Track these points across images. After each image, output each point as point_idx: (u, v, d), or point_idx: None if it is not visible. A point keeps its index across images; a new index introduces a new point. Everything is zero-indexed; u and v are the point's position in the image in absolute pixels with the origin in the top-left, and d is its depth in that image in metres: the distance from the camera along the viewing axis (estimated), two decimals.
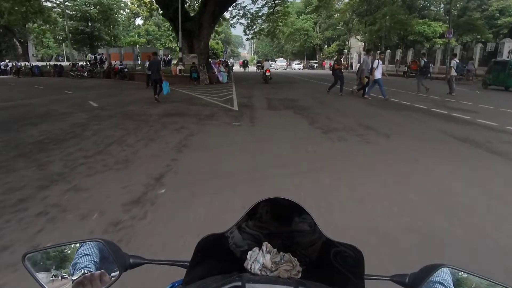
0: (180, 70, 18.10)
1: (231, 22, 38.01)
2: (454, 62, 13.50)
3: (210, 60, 24.41)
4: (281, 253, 0.68)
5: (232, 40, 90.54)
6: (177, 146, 5.24)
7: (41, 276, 0.61)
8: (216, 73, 18.38)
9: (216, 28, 35.37)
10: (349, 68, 42.24)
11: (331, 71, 13.52)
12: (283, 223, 0.75)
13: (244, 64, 40.05)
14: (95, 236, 1.93)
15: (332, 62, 46.65)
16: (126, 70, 21.37)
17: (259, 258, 0.66)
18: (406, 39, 37.51)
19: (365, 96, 11.49)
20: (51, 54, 48.40)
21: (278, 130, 6.50)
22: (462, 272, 0.60)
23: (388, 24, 36.06)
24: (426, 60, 16.71)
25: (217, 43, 44.97)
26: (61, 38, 39.23)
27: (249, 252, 0.68)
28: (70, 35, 38.11)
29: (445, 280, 0.59)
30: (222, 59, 42.08)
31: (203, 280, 0.63)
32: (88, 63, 26.48)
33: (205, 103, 10.65)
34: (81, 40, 38.58)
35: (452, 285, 0.59)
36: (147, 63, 16.24)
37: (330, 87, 13.02)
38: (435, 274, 0.59)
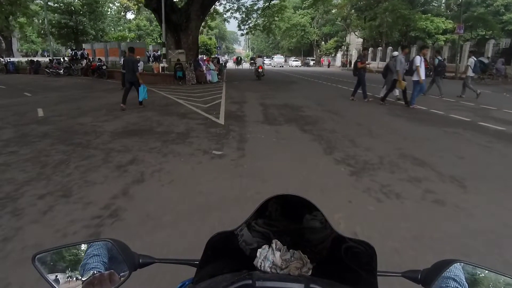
0: (163, 67, 15.56)
1: (224, 16, 35.55)
2: (472, 60, 11.26)
3: (202, 56, 21.91)
4: (291, 250, 0.67)
5: (227, 36, 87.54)
6: (98, 216, 2.80)
7: (51, 277, 0.60)
8: (205, 72, 15.87)
9: (209, 23, 32.76)
10: (348, 65, 39.88)
11: (352, 71, 10.44)
12: (292, 220, 0.74)
13: (238, 61, 37.45)
14: None
15: (327, 59, 44.37)
16: (104, 67, 18.73)
17: (269, 256, 0.65)
18: (408, 35, 35.17)
19: (412, 105, 8.83)
20: (36, 49, 45.34)
21: (280, 167, 4.09)
22: (476, 267, 0.58)
23: (389, 20, 33.66)
24: (440, 58, 14.38)
25: (210, 39, 42.12)
26: (43, 32, 36.13)
27: (259, 250, 0.67)
28: (53, 29, 35.26)
29: (457, 275, 0.57)
30: (216, 55, 39.44)
31: (213, 279, 0.60)
32: (64, 59, 23.71)
33: (183, 112, 8.20)
34: (65, 34, 35.55)
35: (464, 280, 0.56)
36: (122, 60, 13.73)
37: (364, 94, 9.98)
38: (447, 270, 0.57)
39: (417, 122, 6.89)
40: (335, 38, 46.25)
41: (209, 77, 16.02)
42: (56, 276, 0.61)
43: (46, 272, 0.61)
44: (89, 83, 16.33)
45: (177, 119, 7.16)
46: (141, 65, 15.74)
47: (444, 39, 34.42)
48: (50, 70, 21.24)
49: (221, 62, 29.74)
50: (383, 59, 35.28)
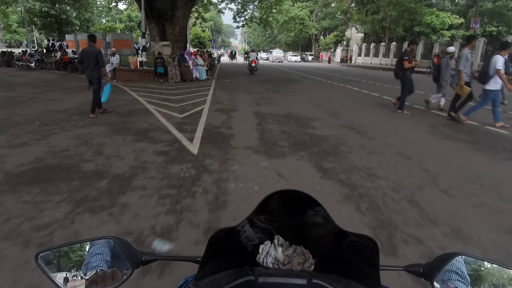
0: (141, 62, 12.98)
1: (219, 7, 32.87)
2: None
3: (188, 49, 19.30)
4: (293, 245, 0.66)
5: (223, 29, 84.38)
6: None
7: (55, 275, 0.59)
8: (191, 67, 13.33)
9: (202, 14, 29.92)
10: (348, 61, 37.41)
11: (394, 73, 7.51)
12: (294, 216, 0.73)
13: (232, 55, 34.76)
14: None
15: (328, 55, 41.54)
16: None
17: (271, 252, 0.64)
18: (413, 30, 32.68)
19: (464, 118, 6.34)
20: (20, 40, 42.20)
21: None
22: (478, 260, 0.57)
23: (394, 13, 31.10)
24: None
25: (204, 31, 39.11)
26: (24, 22, 32.96)
27: (261, 246, 0.66)
28: (36, 18, 32.24)
29: (459, 268, 0.57)
30: (211, 49, 36.62)
31: (216, 275, 0.60)
32: (37, 51, 20.94)
33: (147, 126, 5.75)
34: (48, 24, 32.43)
35: (466, 273, 0.56)
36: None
37: (402, 103, 7.43)
38: (449, 263, 0.57)
39: (490, 154, 4.51)
40: (335, 33, 43.60)
41: (196, 74, 13.50)
42: (60, 274, 0.60)
43: (49, 271, 0.59)
44: (57, 79, 13.71)
45: (130, 143, 4.72)
46: (117, 59, 13.20)
47: (450, 34, 32.10)
48: (20, 63, 18.53)
49: (215, 56, 27.13)
50: (386, 55, 32.89)
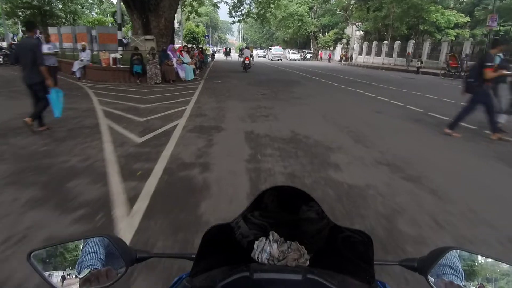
0: (115, 59, 10.71)
1: (214, 0, 30.55)
2: None
3: (187, 45, 17.03)
4: (288, 241, 0.64)
5: (220, 25, 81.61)
6: None
7: (48, 274, 0.57)
8: (175, 66, 11.11)
9: (197, 8, 27.54)
10: (349, 60, 35.27)
11: (465, 85, 5.19)
12: (289, 212, 0.71)
13: (227, 52, 32.42)
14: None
15: (328, 53, 39.21)
16: None
17: (266, 248, 0.62)
18: (418, 29, 30.56)
19: None
20: (3, 32, 39.36)
21: None
22: (472, 254, 0.56)
23: (398, 10, 28.93)
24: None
25: (197, 26, 36.57)
26: (6, 13, 30.30)
27: (256, 242, 0.64)
28: (18, 9, 29.63)
29: (453, 263, 0.56)
30: (207, 45, 34.27)
31: (210, 272, 0.59)
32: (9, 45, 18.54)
33: (73, 166, 3.56)
34: (31, 16, 29.77)
35: (460, 267, 0.55)
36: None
37: (494, 125, 5.07)
38: (444, 258, 0.56)
39: None
40: (335, 30, 41.33)
41: (181, 74, 11.27)
42: (53, 273, 0.57)
43: (42, 270, 0.57)
44: (18, 78, 11.42)
45: (17, 211, 2.55)
46: (87, 55, 10.92)
47: (455, 33, 30.13)
48: None
49: (209, 53, 24.85)
50: (389, 54, 30.80)
